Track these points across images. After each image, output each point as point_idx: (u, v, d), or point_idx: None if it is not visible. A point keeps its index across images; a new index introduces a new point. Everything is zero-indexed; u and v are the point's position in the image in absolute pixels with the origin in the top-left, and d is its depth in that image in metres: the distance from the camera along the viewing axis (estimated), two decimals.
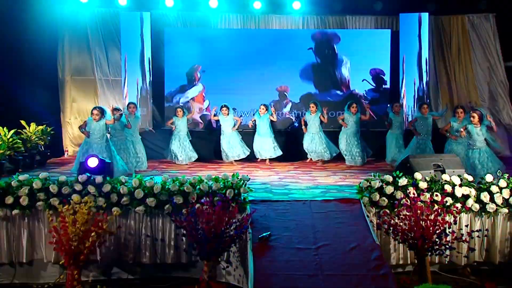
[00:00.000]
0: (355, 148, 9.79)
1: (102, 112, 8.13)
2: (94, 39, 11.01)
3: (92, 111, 8.15)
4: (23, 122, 9.42)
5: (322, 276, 4.97)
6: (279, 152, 10.19)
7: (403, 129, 9.88)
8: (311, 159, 10.25)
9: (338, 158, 10.04)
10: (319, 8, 11.12)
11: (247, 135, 10.44)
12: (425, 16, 10.97)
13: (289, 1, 10.88)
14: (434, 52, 11.31)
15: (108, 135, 8.45)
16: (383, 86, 11.23)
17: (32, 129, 9.45)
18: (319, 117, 9.96)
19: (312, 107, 9.97)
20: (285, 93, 11.29)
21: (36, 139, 9.44)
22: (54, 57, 10.86)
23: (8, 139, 8.68)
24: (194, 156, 10.04)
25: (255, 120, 10.24)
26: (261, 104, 10.20)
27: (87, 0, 10.63)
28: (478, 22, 11.11)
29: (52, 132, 10.02)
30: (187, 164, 9.92)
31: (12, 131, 8.91)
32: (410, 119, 10.39)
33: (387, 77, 11.22)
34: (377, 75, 11.27)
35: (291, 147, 10.77)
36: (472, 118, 7.36)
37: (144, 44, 10.95)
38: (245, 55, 11.13)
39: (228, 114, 10.08)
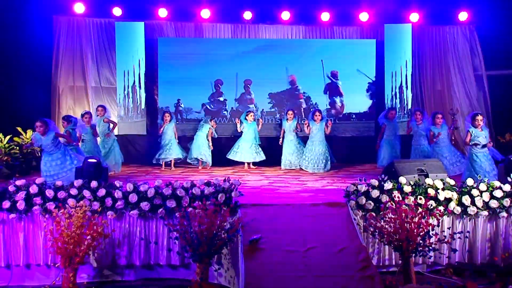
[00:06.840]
0: (319, 156, 9.80)
1: (46, 124, 7.31)
2: (88, 48, 11.14)
3: (35, 123, 7.35)
4: (19, 129, 9.55)
5: (310, 277, 5.12)
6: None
7: (397, 135, 9.89)
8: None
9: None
10: (306, 19, 11.38)
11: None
12: (408, 26, 11.32)
13: (278, 12, 11.12)
14: (418, 61, 11.58)
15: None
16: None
17: (28, 135, 9.52)
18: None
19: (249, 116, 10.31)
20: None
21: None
22: (49, 65, 10.94)
23: (4, 145, 8.83)
24: (183, 154, 10.30)
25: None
26: (288, 110, 10.35)
27: (82, 10, 10.80)
28: (460, 33, 11.45)
29: None
30: (180, 159, 10.27)
31: (8, 137, 9.05)
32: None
33: (372, 85, 11.49)
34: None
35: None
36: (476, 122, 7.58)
37: (137, 53, 11.13)
38: (236, 64, 11.32)
39: None
